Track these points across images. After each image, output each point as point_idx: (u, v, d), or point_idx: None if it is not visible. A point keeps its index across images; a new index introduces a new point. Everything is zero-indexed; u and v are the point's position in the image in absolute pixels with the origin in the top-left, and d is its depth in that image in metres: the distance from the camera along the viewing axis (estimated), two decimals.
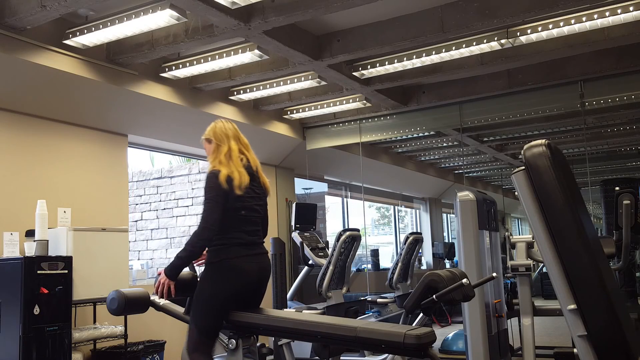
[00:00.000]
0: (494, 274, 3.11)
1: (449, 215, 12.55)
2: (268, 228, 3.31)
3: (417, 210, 11.88)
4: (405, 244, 6.46)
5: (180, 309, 3.19)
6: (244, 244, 3.02)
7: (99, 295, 4.61)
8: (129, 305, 3.09)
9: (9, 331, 4.08)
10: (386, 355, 5.36)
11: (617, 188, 5.12)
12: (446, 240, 12.02)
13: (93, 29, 4.56)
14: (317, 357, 4.39)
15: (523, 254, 4.73)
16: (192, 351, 2.96)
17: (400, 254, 6.46)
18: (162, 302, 3.18)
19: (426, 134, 8.21)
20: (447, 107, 7.04)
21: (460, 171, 10.83)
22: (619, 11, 4.60)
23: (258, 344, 3.46)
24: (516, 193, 2.58)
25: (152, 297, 3.15)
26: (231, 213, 3.00)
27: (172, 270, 2.99)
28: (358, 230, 5.45)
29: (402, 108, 7.03)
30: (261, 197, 3.19)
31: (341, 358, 4.85)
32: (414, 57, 5.39)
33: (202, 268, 3.09)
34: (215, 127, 3.20)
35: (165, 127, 6.14)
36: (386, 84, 6.18)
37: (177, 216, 8.95)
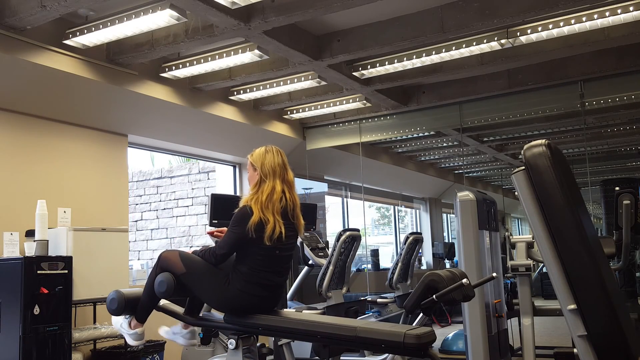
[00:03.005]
0: (494, 274, 3.11)
1: (449, 215, 12.54)
2: None
3: (417, 210, 11.87)
4: (405, 244, 6.46)
5: (180, 309, 3.18)
6: (266, 286, 2.92)
7: (99, 295, 4.61)
8: (129, 305, 3.08)
9: (9, 331, 4.08)
10: (386, 355, 5.37)
11: (617, 188, 5.13)
12: (446, 240, 12.02)
13: (93, 29, 4.56)
14: (317, 357, 4.39)
15: (523, 254, 4.74)
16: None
17: (400, 254, 6.46)
18: (162, 302, 3.18)
19: (426, 134, 8.21)
20: (447, 107, 7.04)
21: (460, 171, 10.83)
22: (619, 11, 4.60)
23: (258, 344, 3.46)
24: (516, 193, 2.58)
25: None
26: (264, 252, 2.89)
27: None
28: (358, 230, 5.44)
29: (402, 108, 7.02)
30: (294, 236, 3.07)
31: (341, 358, 4.85)
32: (414, 57, 5.39)
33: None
34: (264, 159, 2.98)
35: (165, 127, 6.14)
36: (386, 84, 6.18)
37: (177, 216, 8.95)
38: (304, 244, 5.59)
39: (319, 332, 2.74)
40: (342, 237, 5.17)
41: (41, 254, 4.35)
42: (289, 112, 7.24)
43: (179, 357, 5.13)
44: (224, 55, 5.16)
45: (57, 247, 4.56)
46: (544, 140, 2.52)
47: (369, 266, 10.17)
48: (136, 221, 9.21)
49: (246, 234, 2.84)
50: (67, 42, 4.69)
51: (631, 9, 4.57)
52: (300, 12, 4.28)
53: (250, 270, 2.89)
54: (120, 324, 3.18)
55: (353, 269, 8.04)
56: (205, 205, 8.33)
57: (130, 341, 3.15)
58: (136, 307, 3.10)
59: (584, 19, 4.71)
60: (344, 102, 6.78)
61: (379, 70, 5.68)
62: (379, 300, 6.38)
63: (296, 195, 3.06)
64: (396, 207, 12.06)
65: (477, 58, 5.59)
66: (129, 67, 5.26)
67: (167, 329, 3.26)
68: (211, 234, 3.31)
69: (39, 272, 4.18)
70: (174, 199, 9.04)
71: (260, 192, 2.92)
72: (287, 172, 3.02)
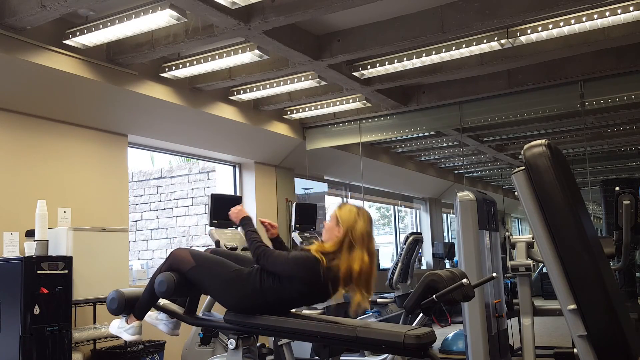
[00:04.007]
0: (494, 274, 3.12)
1: (449, 215, 12.55)
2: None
3: (417, 210, 11.88)
4: (405, 244, 6.47)
5: (180, 309, 3.18)
6: (270, 305, 2.89)
7: (99, 295, 4.61)
8: (129, 305, 3.08)
9: (9, 331, 4.08)
10: (386, 355, 5.36)
11: (617, 188, 5.13)
12: (446, 240, 12.02)
13: (93, 29, 4.56)
14: (317, 357, 4.39)
15: (523, 254, 4.74)
16: None
17: (400, 254, 6.47)
18: (162, 301, 3.18)
19: (426, 134, 8.21)
20: (447, 107, 7.04)
21: (460, 171, 10.83)
22: (619, 11, 4.60)
23: (258, 344, 3.46)
24: (516, 193, 2.58)
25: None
26: (298, 294, 2.80)
27: (248, 223, 3.00)
28: None
29: (402, 108, 7.02)
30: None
31: (341, 358, 4.85)
32: (414, 57, 5.39)
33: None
34: (356, 224, 2.77)
35: (165, 127, 6.14)
36: (386, 84, 6.18)
37: (177, 216, 8.95)
38: (304, 244, 5.60)
39: (319, 332, 2.74)
40: None
41: (41, 254, 4.35)
42: (289, 112, 7.24)
43: (179, 357, 5.13)
44: (224, 55, 5.15)
45: (57, 247, 4.56)
46: (544, 140, 2.52)
47: None
48: (136, 221, 9.20)
49: (307, 283, 2.74)
50: (67, 42, 4.69)
51: (631, 9, 4.57)
52: (300, 12, 4.28)
53: (272, 289, 2.84)
54: (117, 326, 3.18)
55: None
56: (205, 205, 8.32)
57: (128, 337, 3.14)
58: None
59: (584, 19, 4.71)
60: (344, 102, 6.78)
61: (379, 70, 5.68)
62: (379, 300, 6.38)
63: (375, 266, 2.87)
64: (396, 207, 12.06)
65: (477, 58, 5.58)
66: (129, 67, 5.26)
67: (151, 313, 3.23)
68: (262, 222, 3.28)
69: (39, 272, 4.18)
70: (174, 199, 9.03)
71: (351, 260, 2.72)
72: (371, 242, 2.84)
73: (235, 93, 6.35)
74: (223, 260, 3.03)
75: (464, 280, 2.72)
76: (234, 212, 3.10)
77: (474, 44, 5.11)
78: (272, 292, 2.84)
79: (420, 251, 7.83)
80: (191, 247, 8.57)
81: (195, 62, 5.34)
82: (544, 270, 8.00)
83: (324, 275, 2.71)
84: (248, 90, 6.26)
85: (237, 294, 2.89)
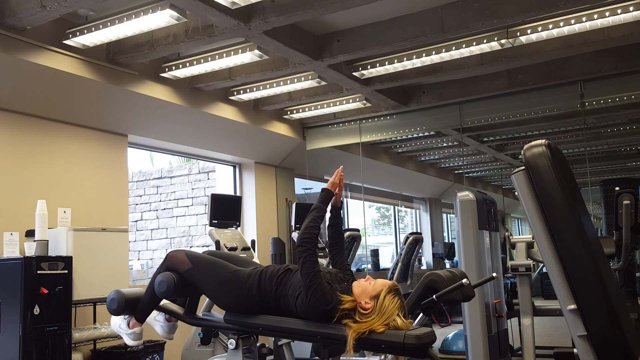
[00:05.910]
0: (494, 274, 3.12)
1: (449, 215, 12.54)
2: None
3: (417, 210, 11.87)
4: (405, 244, 6.47)
5: (180, 309, 3.18)
6: (265, 307, 2.89)
7: (99, 295, 4.61)
8: (129, 305, 3.08)
9: (9, 331, 4.08)
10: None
11: (617, 188, 5.14)
12: (446, 240, 12.02)
13: (93, 29, 4.56)
14: (317, 357, 4.39)
15: (523, 254, 4.74)
16: None
17: (400, 254, 6.47)
18: (163, 302, 3.17)
19: (426, 134, 8.21)
20: (447, 107, 7.04)
21: (460, 171, 10.83)
22: (619, 11, 4.60)
23: (258, 344, 3.46)
24: (516, 193, 2.58)
25: None
26: (289, 311, 2.76)
27: (326, 198, 3.04)
28: (358, 230, 5.45)
29: (402, 108, 7.02)
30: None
31: (341, 358, 4.85)
32: (414, 57, 5.39)
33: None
34: (395, 321, 2.62)
35: (165, 127, 6.14)
36: (386, 84, 6.18)
37: (177, 216, 8.95)
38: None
39: (319, 332, 2.74)
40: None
41: (41, 254, 4.35)
42: (289, 112, 7.24)
43: (179, 357, 5.13)
44: (224, 55, 5.16)
45: (57, 247, 4.56)
46: (544, 140, 2.53)
47: (369, 266, 10.17)
48: (136, 221, 9.21)
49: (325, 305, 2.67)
50: (67, 42, 4.69)
51: (631, 9, 4.57)
52: (300, 12, 4.28)
53: (272, 295, 2.82)
54: (118, 325, 3.18)
55: (353, 269, 8.04)
56: (205, 205, 8.32)
57: (129, 341, 3.15)
58: (136, 307, 3.10)
59: (584, 19, 4.71)
60: (344, 102, 6.78)
61: (379, 70, 5.68)
62: None
63: None
64: (396, 207, 12.06)
65: (477, 58, 5.59)
66: (129, 67, 5.26)
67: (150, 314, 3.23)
68: (340, 184, 3.24)
69: (39, 272, 4.17)
70: (174, 199, 9.04)
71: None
72: None
73: (235, 93, 6.35)
74: (220, 261, 3.02)
75: (464, 280, 2.72)
76: (339, 177, 3.15)
77: (474, 44, 5.11)
78: (273, 298, 2.81)
79: (420, 251, 7.85)
80: (191, 247, 8.58)
81: (195, 62, 5.34)
82: (544, 270, 8.00)
83: (333, 320, 2.67)
84: (248, 90, 6.26)
85: (232, 296, 2.89)
